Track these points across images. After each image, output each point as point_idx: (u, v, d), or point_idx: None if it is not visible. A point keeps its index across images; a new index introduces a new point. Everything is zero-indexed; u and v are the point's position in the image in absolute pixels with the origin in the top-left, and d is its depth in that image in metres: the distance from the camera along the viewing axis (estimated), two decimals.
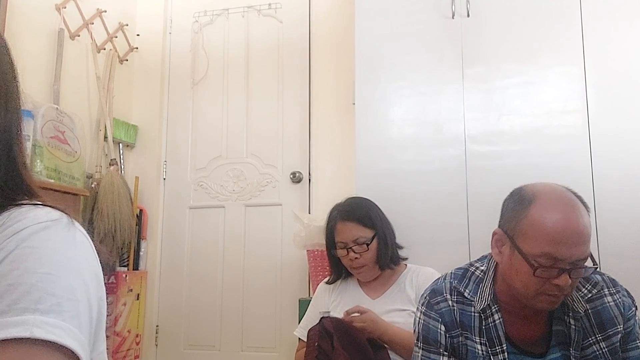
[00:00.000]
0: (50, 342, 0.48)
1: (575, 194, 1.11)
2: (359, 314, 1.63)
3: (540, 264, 1.04)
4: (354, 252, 1.75)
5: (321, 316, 1.67)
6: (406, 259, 1.88)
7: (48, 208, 0.58)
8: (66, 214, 0.59)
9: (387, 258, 1.79)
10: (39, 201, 0.60)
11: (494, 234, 1.17)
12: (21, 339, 0.47)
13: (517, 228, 1.10)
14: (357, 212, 1.81)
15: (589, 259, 1.08)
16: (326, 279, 1.93)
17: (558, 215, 1.05)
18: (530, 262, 1.05)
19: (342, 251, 1.78)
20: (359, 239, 1.76)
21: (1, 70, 0.61)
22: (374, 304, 1.75)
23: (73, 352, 0.49)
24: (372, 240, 1.76)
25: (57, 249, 0.53)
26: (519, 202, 1.12)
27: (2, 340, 0.46)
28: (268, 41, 3.13)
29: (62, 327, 0.49)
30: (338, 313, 1.76)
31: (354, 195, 2.00)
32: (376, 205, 1.88)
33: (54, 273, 0.51)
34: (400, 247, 1.89)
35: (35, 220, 0.54)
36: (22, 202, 0.59)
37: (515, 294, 1.12)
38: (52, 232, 0.54)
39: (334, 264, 1.86)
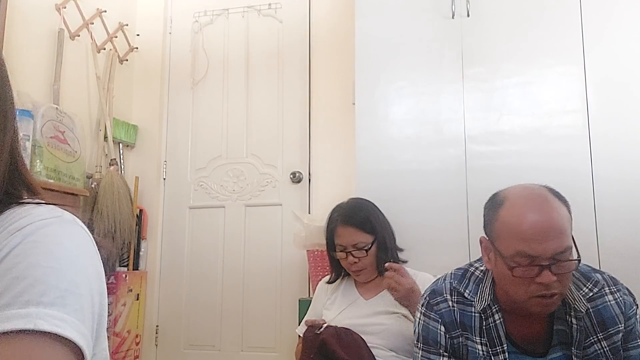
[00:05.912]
0: (53, 334, 0.48)
1: (550, 189, 1.11)
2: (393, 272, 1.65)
3: (518, 263, 1.05)
4: (353, 256, 1.75)
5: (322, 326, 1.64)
6: (406, 261, 1.86)
7: (51, 206, 0.59)
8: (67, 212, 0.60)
9: (386, 262, 1.77)
10: (40, 199, 0.62)
11: (481, 241, 1.18)
12: (25, 330, 0.47)
13: (493, 231, 1.12)
14: (358, 216, 1.79)
15: (574, 251, 1.06)
16: (326, 278, 1.93)
17: (525, 213, 1.05)
18: (507, 263, 1.06)
19: (341, 254, 1.78)
20: (359, 244, 1.75)
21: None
22: (366, 305, 1.75)
23: (76, 345, 0.50)
24: (371, 246, 1.75)
25: (61, 244, 0.54)
26: (492, 207, 1.14)
27: (6, 332, 0.47)
28: (268, 41, 3.13)
29: (66, 319, 0.50)
30: (333, 311, 1.77)
31: (355, 197, 1.99)
32: (377, 209, 1.87)
33: (58, 267, 0.52)
34: (400, 250, 1.89)
35: (39, 216, 0.56)
36: (24, 200, 0.61)
37: (511, 299, 1.12)
38: (56, 228, 0.55)
39: (334, 264, 1.86)
